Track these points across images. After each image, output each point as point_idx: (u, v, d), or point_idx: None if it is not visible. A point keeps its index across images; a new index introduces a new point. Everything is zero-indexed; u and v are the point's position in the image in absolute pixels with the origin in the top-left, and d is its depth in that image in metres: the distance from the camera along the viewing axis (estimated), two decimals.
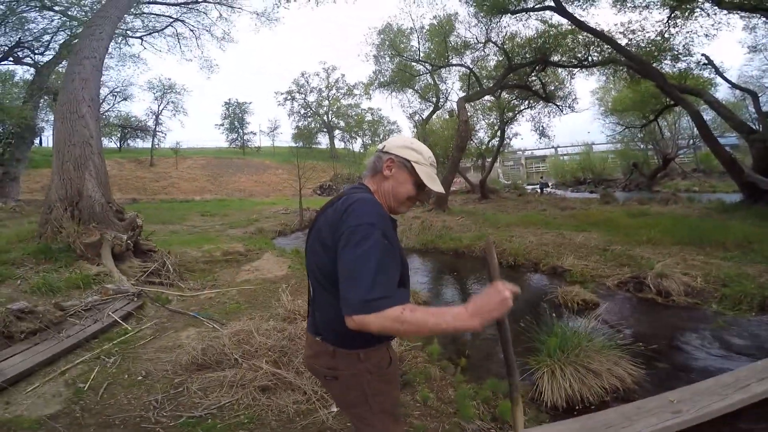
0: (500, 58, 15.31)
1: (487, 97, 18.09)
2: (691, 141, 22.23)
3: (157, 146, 32.86)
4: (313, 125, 44.58)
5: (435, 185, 1.30)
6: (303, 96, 43.24)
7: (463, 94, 17.31)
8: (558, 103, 17.47)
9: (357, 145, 45.80)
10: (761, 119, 11.28)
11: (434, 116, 21.28)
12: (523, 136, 42.65)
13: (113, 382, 2.73)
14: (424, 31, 17.12)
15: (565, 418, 2.13)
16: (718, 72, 13.09)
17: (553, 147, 34.79)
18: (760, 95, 11.81)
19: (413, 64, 18.07)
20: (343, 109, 44.00)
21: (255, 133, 45.92)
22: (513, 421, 1.29)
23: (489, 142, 21.22)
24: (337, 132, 45.62)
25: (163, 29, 15.92)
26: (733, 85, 13.18)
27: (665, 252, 6.17)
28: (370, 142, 44.27)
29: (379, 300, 0.99)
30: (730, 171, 11.11)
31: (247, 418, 2.29)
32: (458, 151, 14.19)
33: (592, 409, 2.30)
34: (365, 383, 1.25)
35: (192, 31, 16.08)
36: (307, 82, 43.01)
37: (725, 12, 9.98)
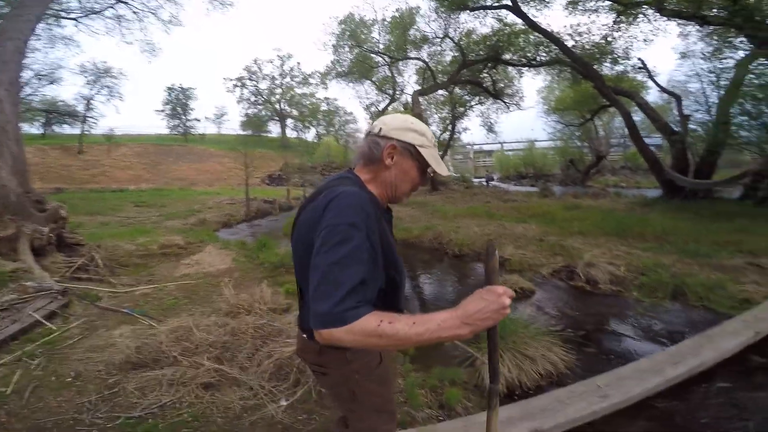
0: (456, 54, 15.65)
1: (440, 92, 18.48)
2: (622, 140, 24.20)
3: (87, 132, 30.04)
4: (264, 113, 43.21)
5: (442, 168, 1.16)
6: (254, 83, 41.89)
7: (419, 87, 17.56)
8: (506, 101, 18.24)
9: (310, 135, 44.95)
10: (682, 122, 12.50)
11: (390, 108, 21.47)
12: (472, 130, 44.32)
13: (40, 385, 2.54)
14: (386, 23, 17.12)
15: (506, 404, 2.22)
16: (650, 76, 14.31)
17: (499, 142, 36.34)
18: (683, 99, 13.01)
19: (373, 55, 18.02)
20: (296, 97, 43.09)
21: (199, 120, 43.55)
22: (488, 427, 1.18)
23: (441, 135, 21.78)
24: (289, 121, 44.53)
25: (102, 11, 14.31)
26: (662, 89, 14.34)
27: (594, 243, 6.67)
28: (324, 132, 43.60)
29: (351, 311, 0.85)
30: (652, 169, 12.23)
31: (190, 416, 2.21)
32: None
33: (530, 394, 2.43)
34: (353, 384, 1.16)
35: (135, 13, 14.63)
36: (260, 69, 41.71)
37: (665, 19, 10.85)
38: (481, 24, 15.11)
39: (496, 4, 12.70)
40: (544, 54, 14.10)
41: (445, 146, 21.26)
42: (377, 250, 0.98)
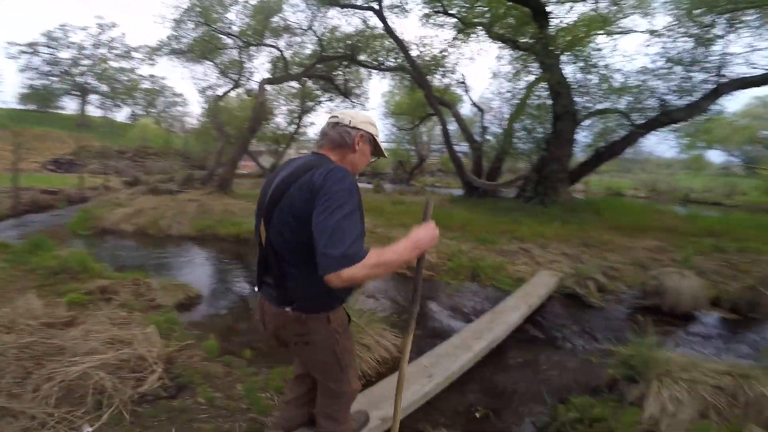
0: (316, 48, 15.11)
1: (294, 84, 17.64)
2: (440, 146, 27.98)
3: None
4: (59, 86, 34.87)
5: (383, 152, 1.57)
6: (53, 51, 33.75)
7: (270, 76, 16.28)
8: (353, 100, 18.69)
9: (122, 115, 37.25)
10: (483, 132, 15.24)
11: (233, 94, 19.29)
12: (319, 126, 44.28)
13: None
14: (249, 5, 15.06)
15: None
16: (467, 90, 16.79)
17: None
18: (486, 113, 15.84)
19: (222, 36, 15.61)
20: (109, 71, 36.00)
21: None
22: (402, 349, 1.56)
23: (286, 127, 21.00)
24: (95, 98, 36.97)
25: None
26: (473, 103, 17.08)
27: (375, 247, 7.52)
28: (143, 112, 36.66)
29: (361, 251, 1.12)
30: (457, 171, 14.55)
31: None
32: (249, 133, 13.40)
33: (372, 382, 2.51)
34: (335, 343, 1.42)
35: None
36: (66, 36, 33.70)
37: (490, 40, 12.58)
38: (347, 23, 15.36)
39: (365, 5, 12.88)
40: (393, 60, 14.96)
41: (289, 139, 20.52)
42: (362, 210, 1.27)
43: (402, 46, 12.93)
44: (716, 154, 31.42)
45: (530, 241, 7.14)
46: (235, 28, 15.31)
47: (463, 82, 16.30)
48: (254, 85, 17.12)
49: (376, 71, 16.21)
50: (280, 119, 21.24)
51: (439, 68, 14.50)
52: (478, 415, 2.44)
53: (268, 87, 15.33)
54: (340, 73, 17.07)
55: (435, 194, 16.05)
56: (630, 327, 3.25)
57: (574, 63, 10.92)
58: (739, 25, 9.37)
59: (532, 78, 12.12)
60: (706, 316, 4.35)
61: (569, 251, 6.64)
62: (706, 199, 18.40)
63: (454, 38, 13.53)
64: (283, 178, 1.34)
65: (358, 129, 1.44)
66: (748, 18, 9.18)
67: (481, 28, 12.12)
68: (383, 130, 28.93)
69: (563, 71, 10.89)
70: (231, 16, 15.45)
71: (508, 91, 13.52)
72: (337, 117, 1.46)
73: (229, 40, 15.90)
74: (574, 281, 4.94)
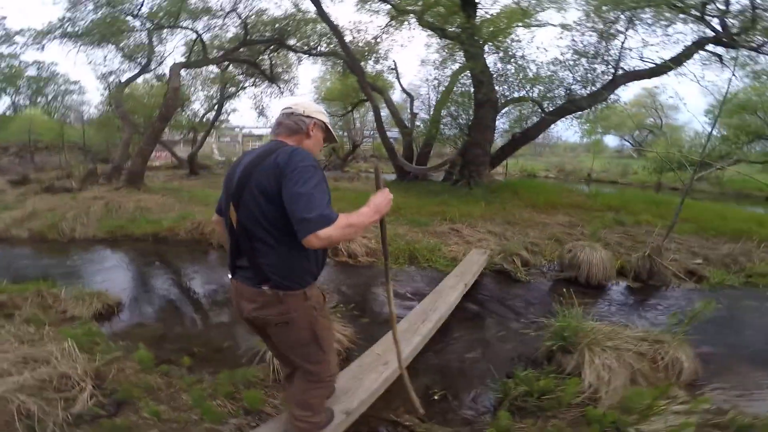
0: (240, 32, 13.88)
1: (212, 69, 16.13)
2: (372, 132, 27.88)
3: None
4: None
5: (335, 137, 1.75)
6: None
7: (184, 60, 14.62)
8: (281, 86, 17.73)
9: (1, 106, 31.33)
10: (412, 118, 15.53)
11: (140, 80, 17.02)
12: (242, 113, 41.97)
13: None
14: None
15: None
16: (398, 77, 16.83)
17: (270, 127, 35.44)
18: (416, 100, 16.17)
19: (129, 18, 13.48)
20: None
21: None
22: (388, 298, 1.99)
23: (204, 115, 19.25)
24: None
25: None
26: (403, 89, 17.26)
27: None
28: (27, 103, 31.02)
29: (332, 213, 1.26)
30: (389, 156, 14.72)
31: None
32: (162, 121, 12.02)
33: None
34: (313, 321, 1.51)
35: None
36: None
37: (420, 28, 12.57)
38: (276, 6, 14.09)
39: None
40: (325, 45, 14.44)
41: (209, 127, 18.96)
42: (327, 182, 1.38)
43: (336, 31, 12.57)
44: (612, 139, 35.59)
45: (459, 221, 7.47)
46: (145, 10, 13.50)
47: (394, 69, 16.38)
48: (166, 71, 15.39)
49: (306, 56, 15.59)
50: (197, 106, 19.52)
51: (373, 54, 14.37)
52: (436, 397, 2.55)
53: (182, 72, 13.97)
54: (266, 57, 16.12)
55: (370, 180, 16.14)
56: (555, 299, 3.60)
57: (496, 53, 11.50)
58: (637, 22, 10.54)
59: (457, 66, 12.54)
60: (615, 285, 4.96)
61: (494, 229, 7.12)
62: (605, 179, 20.89)
63: (387, 25, 13.49)
64: (248, 162, 1.45)
65: (312, 117, 1.57)
66: (645, 15, 10.35)
67: (413, 15, 12.20)
68: None
69: (486, 61, 11.42)
70: None
71: (435, 79, 13.89)
72: (290, 107, 1.58)
73: (137, 22, 14.05)
74: (502, 258, 5.34)
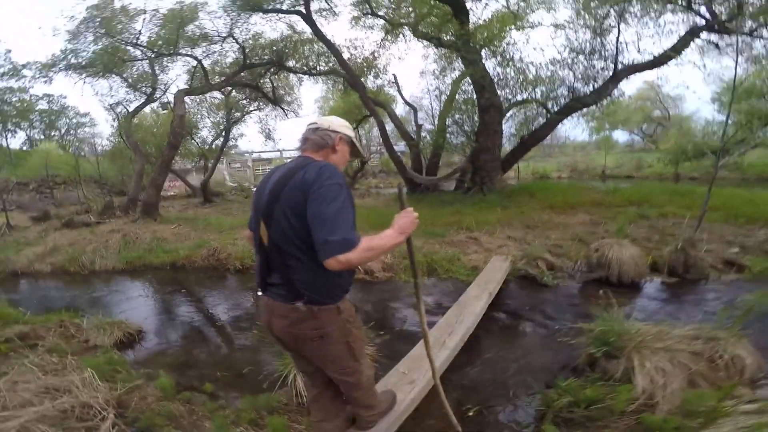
0: (239, 56, 14.22)
1: (216, 95, 16.50)
2: (379, 147, 28.01)
3: None
4: None
5: (360, 152, 1.76)
6: None
7: (188, 87, 14.99)
8: (284, 107, 17.98)
9: (18, 141, 32.47)
10: (417, 130, 15.52)
11: (147, 109, 17.51)
12: (250, 138, 42.45)
13: None
14: (158, 14, 13.56)
15: None
16: (399, 90, 16.93)
17: (278, 150, 35.98)
18: (419, 111, 16.18)
19: (129, 48, 13.97)
20: None
21: None
22: (420, 315, 1.84)
23: (213, 142, 19.57)
24: None
25: None
26: (405, 102, 17.31)
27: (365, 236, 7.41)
28: (41, 137, 32.18)
29: (355, 237, 1.27)
30: (398, 170, 14.69)
31: None
32: (171, 149, 12.23)
33: None
34: (347, 333, 1.52)
35: None
36: None
37: (416, 39, 12.72)
38: (271, 28, 14.31)
39: (292, 9, 12.33)
40: (324, 64, 14.63)
41: (218, 153, 19.20)
42: (353, 201, 1.40)
43: (333, 49, 12.74)
44: (621, 134, 35.03)
45: (476, 229, 7.32)
46: (143, 38, 13.94)
47: (394, 82, 16.48)
48: (170, 97, 15.76)
49: (306, 76, 15.76)
50: (205, 132, 19.83)
51: (372, 69, 14.51)
52: (471, 413, 2.38)
53: (187, 99, 14.25)
54: (267, 80, 16.37)
55: (380, 195, 16.10)
56: (590, 302, 3.39)
57: (493, 58, 11.49)
58: (627, 15, 10.48)
59: (457, 74, 12.56)
60: (650, 282, 4.69)
61: (514, 234, 6.92)
62: (620, 174, 20.42)
63: (383, 39, 13.67)
64: (277, 179, 1.45)
65: (338, 132, 1.58)
66: (633, 9, 10.29)
67: (407, 27, 12.33)
68: None
69: (485, 66, 11.40)
70: (137, 25, 14.09)
71: (437, 88, 13.93)
72: (316, 123, 1.60)
73: (137, 52, 14.49)
74: (525, 263, 5.13)
